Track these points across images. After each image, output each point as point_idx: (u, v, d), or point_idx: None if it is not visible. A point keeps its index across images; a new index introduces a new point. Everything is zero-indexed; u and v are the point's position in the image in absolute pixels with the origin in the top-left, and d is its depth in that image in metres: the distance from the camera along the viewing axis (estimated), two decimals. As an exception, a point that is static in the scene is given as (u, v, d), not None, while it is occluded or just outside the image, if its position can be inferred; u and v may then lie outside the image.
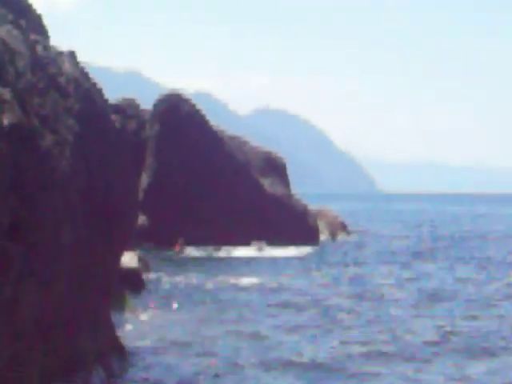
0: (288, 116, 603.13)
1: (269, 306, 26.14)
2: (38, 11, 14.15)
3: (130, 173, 16.92)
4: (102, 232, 13.60)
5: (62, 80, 13.49)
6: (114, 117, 15.68)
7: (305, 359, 18.05)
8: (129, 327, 20.12)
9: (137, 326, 20.78)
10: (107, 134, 14.82)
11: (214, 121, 46.01)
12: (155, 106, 42.15)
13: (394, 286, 32.31)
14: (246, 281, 31.42)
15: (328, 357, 17.99)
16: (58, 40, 14.62)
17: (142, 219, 33.70)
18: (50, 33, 14.34)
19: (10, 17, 12.91)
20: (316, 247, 44.65)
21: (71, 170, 12.30)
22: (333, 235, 51.44)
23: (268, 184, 43.91)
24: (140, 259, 27.25)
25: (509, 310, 26.18)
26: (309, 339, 20.58)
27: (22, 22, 13.32)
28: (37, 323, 10.98)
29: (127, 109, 37.16)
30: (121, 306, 19.83)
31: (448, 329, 21.91)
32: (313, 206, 52.20)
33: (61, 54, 14.46)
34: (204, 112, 44.65)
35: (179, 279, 31.62)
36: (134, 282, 23.33)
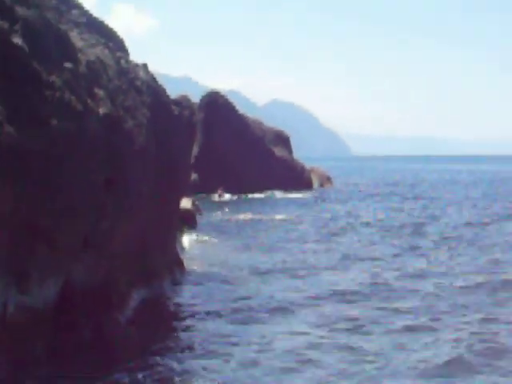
0: (292, 106, 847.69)
1: (282, 231, 34.72)
2: (121, 36, 19.40)
3: (186, 145, 23.69)
4: (167, 185, 18.93)
5: (138, 83, 18.30)
6: (173, 107, 20.97)
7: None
8: (187, 246, 26.61)
9: (191, 248, 27.32)
10: (169, 119, 20.14)
11: (241, 109, 63.55)
12: (201, 99, 58.61)
13: (364, 210, 46.02)
14: (267, 217, 41.28)
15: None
16: (135, 55, 19.93)
17: (193, 176, 48.09)
18: (129, 50, 19.61)
19: (102, 41, 17.54)
20: (311, 192, 62.82)
21: (146, 143, 16.91)
22: (321, 184, 70.41)
23: (277, 151, 62.28)
24: (193, 203, 36.23)
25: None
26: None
27: (110, 44, 18.16)
28: (126, 246, 15.30)
29: (182, 102, 50.29)
30: (180, 236, 25.61)
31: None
32: (307, 165, 70.90)
33: (137, 65, 19.57)
34: (234, 103, 61.72)
35: (219, 215, 42.27)
36: (189, 218, 31.16)
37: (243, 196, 55.92)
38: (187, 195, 30.81)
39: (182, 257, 23.16)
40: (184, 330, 16.37)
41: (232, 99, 60.50)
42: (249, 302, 18.66)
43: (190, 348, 14.63)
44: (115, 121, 15.83)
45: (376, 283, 20.66)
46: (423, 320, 16.46)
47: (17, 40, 12.81)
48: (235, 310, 17.64)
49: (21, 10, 13.50)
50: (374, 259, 25.22)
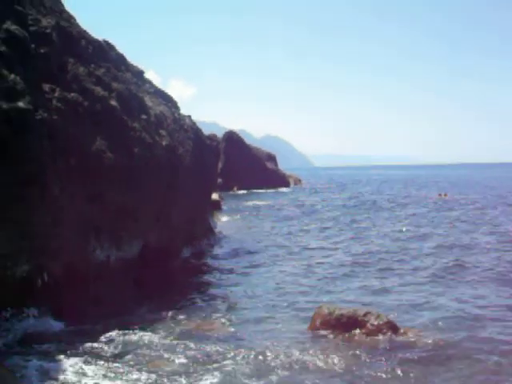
0: (277, 138, 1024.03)
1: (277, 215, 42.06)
2: (175, 99, 24.14)
3: (213, 162, 29.12)
4: (203, 185, 23.90)
5: (185, 126, 22.46)
6: (206, 140, 25.27)
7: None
8: (216, 223, 31.57)
9: (218, 219, 35.02)
10: (204, 147, 24.47)
11: (247, 141, 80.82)
12: (223, 135, 76.84)
13: (336, 197, 62.39)
14: (265, 202, 53.60)
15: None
16: (183, 110, 24.52)
17: (219, 180, 59.55)
18: (180, 107, 24.52)
19: (164, 102, 21.83)
20: (290, 188, 79.55)
21: (190, 161, 21.17)
22: (295, 183, 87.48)
23: (268, 164, 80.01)
24: (219, 195, 45.86)
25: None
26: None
27: (169, 104, 22.42)
28: (180, 221, 20.07)
29: (212, 137, 61.01)
30: (211, 215, 31.33)
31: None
32: (287, 173, 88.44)
33: (185, 116, 23.71)
34: (242, 137, 79.82)
35: (236, 203, 52.34)
36: (216, 205, 39.74)
37: (249, 191, 71.63)
38: (215, 191, 39.13)
39: (213, 226, 28.34)
40: (214, 269, 20.20)
41: (242, 134, 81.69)
42: (253, 253, 23.39)
43: (219, 278, 18.56)
44: (172, 149, 19.22)
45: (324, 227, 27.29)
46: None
47: (113, 102, 15.85)
48: (245, 258, 22.11)
49: (115, 85, 16.46)
50: (321, 219, 38.20)
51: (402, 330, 11.91)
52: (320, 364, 10.41)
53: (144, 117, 17.73)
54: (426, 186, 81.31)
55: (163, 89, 22.68)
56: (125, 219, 15.70)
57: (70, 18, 15.84)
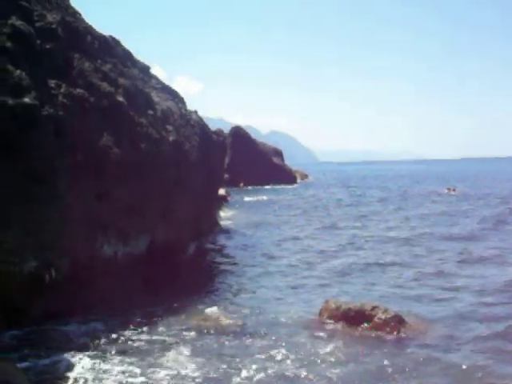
0: (283, 134, 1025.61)
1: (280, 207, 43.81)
2: (181, 95, 23.76)
3: (220, 157, 28.84)
4: (210, 181, 23.61)
5: (192, 122, 22.07)
6: (213, 136, 25.03)
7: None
8: (222, 216, 32.93)
9: (225, 214, 35.23)
10: (210, 143, 24.11)
11: (253, 136, 79.49)
12: (230, 131, 74.22)
13: (338, 190, 66.11)
14: (272, 197, 53.77)
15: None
16: (190, 106, 23.98)
17: (226, 175, 57.12)
18: (187, 103, 24.04)
19: (170, 97, 21.45)
20: (297, 184, 77.83)
21: (197, 157, 20.93)
22: (302, 179, 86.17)
23: (275, 160, 78.15)
24: (226, 191, 45.40)
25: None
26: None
27: (175, 100, 22.03)
28: (186, 216, 19.95)
29: (218, 133, 60.21)
30: (219, 209, 32.67)
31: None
32: (293, 168, 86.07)
33: (191, 111, 23.40)
34: (249, 133, 78.42)
35: (241, 197, 52.04)
36: (223, 199, 40.06)
37: (255, 187, 70.37)
38: (222, 186, 39.00)
39: (219, 221, 28.91)
40: (221, 263, 20.22)
41: (248, 130, 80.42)
42: (260, 247, 23.18)
43: (226, 273, 18.42)
44: (179, 144, 19.21)
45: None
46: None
47: (120, 98, 15.78)
48: (252, 253, 22.20)
49: (121, 80, 16.40)
50: (327, 209, 41.08)
51: (409, 324, 11.84)
52: (326, 357, 10.40)
53: (151, 112, 17.70)
54: (434, 180, 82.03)
55: (169, 84, 22.65)
56: (131, 215, 15.68)
57: (75, 14, 15.80)
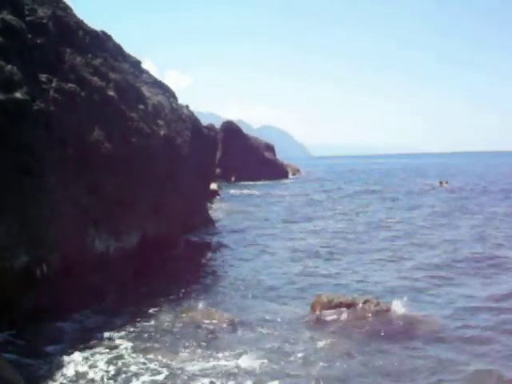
0: (276, 129, 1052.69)
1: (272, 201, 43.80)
2: (172, 89, 23.28)
3: (212, 152, 28.66)
4: (201, 175, 23.73)
5: (183, 116, 22.00)
6: (204, 130, 24.98)
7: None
8: (214, 210, 33.39)
9: (216, 208, 35.37)
10: (202, 138, 23.95)
11: (245, 130, 79.05)
12: (221, 125, 74.10)
13: (330, 183, 70.25)
14: (263, 192, 54.08)
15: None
16: (181, 100, 23.49)
17: (217, 170, 57.31)
18: (178, 97, 23.53)
19: (161, 92, 21.22)
20: (288, 178, 79.92)
21: (188, 151, 21.03)
22: (294, 173, 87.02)
23: (266, 154, 77.89)
24: (217, 185, 46.91)
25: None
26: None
27: (166, 94, 21.72)
28: (178, 211, 19.91)
29: (209, 127, 60.67)
30: (211, 202, 33.69)
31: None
32: (284, 162, 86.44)
33: (182, 106, 23.13)
34: (240, 127, 78.02)
35: (234, 193, 52.05)
36: (214, 193, 41.48)
37: (246, 181, 69.73)
38: (214, 181, 39.44)
39: (211, 215, 28.87)
40: (213, 257, 20.31)
41: (239, 124, 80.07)
42: (252, 241, 23.38)
43: (218, 266, 18.61)
44: (170, 139, 19.21)
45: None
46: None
47: (111, 92, 15.78)
48: (244, 246, 22.27)
49: (112, 75, 16.34)
50: (318, 201, 42.07)
51: (401, 317, 11.95)
52: (316, 351, 10.45)
53: (141, 107, 17.70)
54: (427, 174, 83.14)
55: (160, 78, 22.61)
56: (123, 209, 15.74)
57: (66, 8, 15.69)
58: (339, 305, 12.25)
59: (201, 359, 10.17)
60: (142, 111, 17.60)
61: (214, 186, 40.56)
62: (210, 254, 21.04)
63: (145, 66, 21.60)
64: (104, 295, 13.87)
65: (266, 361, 9.99)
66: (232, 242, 23.34)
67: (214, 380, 9.20)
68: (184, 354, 10.44)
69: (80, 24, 15.91)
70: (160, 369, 9.76)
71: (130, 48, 20.11)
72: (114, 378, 9.38)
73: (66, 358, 9.97)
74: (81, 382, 9.24)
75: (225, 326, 12.18)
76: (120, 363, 9.86)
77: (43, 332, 11.30)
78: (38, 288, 11.84)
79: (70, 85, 13.97)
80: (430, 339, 11.02)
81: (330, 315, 12.18)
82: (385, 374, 9.40)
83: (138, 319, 12.54)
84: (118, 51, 18.89)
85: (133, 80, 18.41)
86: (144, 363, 9.98)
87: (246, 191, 53.80)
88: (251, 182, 69.15)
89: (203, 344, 11.05)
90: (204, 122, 28.21)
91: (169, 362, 10.03)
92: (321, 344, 10.74)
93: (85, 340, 11.02)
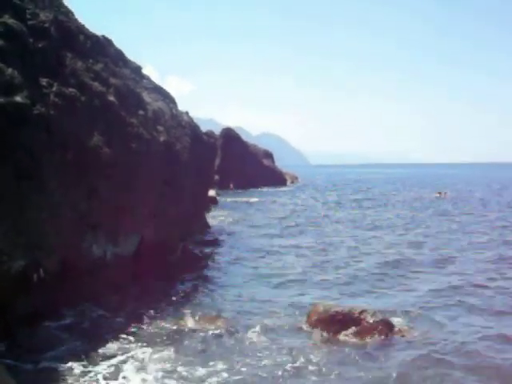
0: (275, 136, 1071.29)
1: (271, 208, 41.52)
2: (172, 95, 23.40)
3: (211, 159, 28.67)
4: (200, 182, 23.77)
5: (183, 122, 22.09)
6: (204, 137, 24.98)
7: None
8: (211, 217, 33.20)
9: (214, 217, 34.98)
10: (201, 144, 24.04)
11: (243, 138, 79.68)
12: (221, 132, 75.34)
13: (329, 190, 71.87)
14: (261, 199, 54.63)
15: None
16: (181, 106, 23.73)
17: (216, 177, 58.09)
18: (178, 103, 23.72)
19: (161, 98, 21.34)
20: (287, 185, 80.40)
21: (188, 157, 21.09)
22: (292, 181, 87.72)
23: (265, 162, 79.24)
24: (216, 192, 47.61)
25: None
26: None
27: (166, 100, 21.84)
28: (176, 217, 19.89)
29: (209, 134, 57.80)
30: (208, 210, 32.58)
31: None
32: (283, 170, 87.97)
33: (182, 112, 23.32)
34: (239, 134, 78.64)
35: (230, 199, 52.84)
36: (213, 201, 41.64)
37: (244, 189, 69.94)
38: (212, 188, 39.87)
39: (208, 221, 29.07)
40: (211, 264, 20.20)
41: (238, 131, 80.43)
42: (249, 248, 23.17)
43: (216, 273, 18.58)
44: (169, 145, 19.23)
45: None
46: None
47: (111, 98, 15.78)
48: (242, 253, 22.10)
49: (113, 80, 16.36)
50: (316, 208, 39.14)
51: (397, 329, 11.92)
52: (312, 360, 10.40)
53: (142, 112, 17.69)
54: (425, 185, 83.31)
55: (160, 84, 22.63)
56: (121, 215, 15.67)
57: (68, 13, 15.74)
58: (335, 314, 12.20)
59: (197, 366, 10.08)
60: (142, 117, 17.59)
61: (212, 192, 40.94)
62: (207, 261, 21.02)
63: (146, 71, 21.63)
64: (101, 301, 13.84)
65: (259, 370, 9.86)
66: (230, 249, 23.33)
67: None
68: (179, 360, 10.33)
69: (81, 29, 15.93)
70: (155, 373, 9.78)
71: (131, 52, 20.12)
72: (110, 382, 9.24)
73: (61, 363, 9.92)
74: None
75: (221, 332, 12.25)
76: (116, 367, 9.78)
77: (38, 336, 11.23)
78: (34, 292, 11.81)
79: (70, 89, 13.93)
80: (425, 351, 10.93)
81: (326, 325, 12.11)
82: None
83: (135, 324, 12.51)
84: (118, 56, 18.92)
85: (133, 85, 18.42)
86: (138, 368, 9.85)
87: (244, 198, 53.80)
88: (250, 189, 69.44)
89: (198, 350, 11.13)
90: (203, 128, 28.17)
91: (164, 367, 9.92)
92: (316, 354, 10.66)
93: (80, 344, 11.02)
